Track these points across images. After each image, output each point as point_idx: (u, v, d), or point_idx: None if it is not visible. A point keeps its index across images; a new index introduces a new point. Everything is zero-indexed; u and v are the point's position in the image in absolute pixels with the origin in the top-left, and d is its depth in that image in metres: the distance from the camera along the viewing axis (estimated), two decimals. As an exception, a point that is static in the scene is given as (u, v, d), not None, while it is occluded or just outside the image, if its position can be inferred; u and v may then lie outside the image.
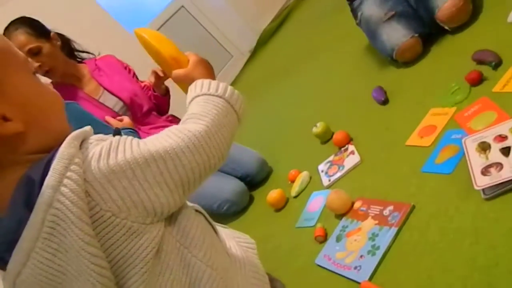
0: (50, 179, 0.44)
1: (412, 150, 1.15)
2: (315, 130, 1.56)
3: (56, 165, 0.44)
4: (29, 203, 0.44)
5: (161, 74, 1.59)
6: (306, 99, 2.07)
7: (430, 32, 1.46)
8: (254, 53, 3.90)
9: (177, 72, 0.66)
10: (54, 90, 0.55)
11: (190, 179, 0.50)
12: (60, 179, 0.44)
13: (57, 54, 1.55)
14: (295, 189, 1.45)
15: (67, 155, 0.45)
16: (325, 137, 1.55)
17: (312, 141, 1.59)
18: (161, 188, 0.48)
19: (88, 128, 0.51)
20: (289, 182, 1.51)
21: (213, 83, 0.59)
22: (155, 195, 0.48)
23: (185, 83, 0.64)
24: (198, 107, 0.56)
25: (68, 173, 0.44)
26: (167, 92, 1.72)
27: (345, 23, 1.99)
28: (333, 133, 1.51)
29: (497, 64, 1.13)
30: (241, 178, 1.67)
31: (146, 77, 1.76)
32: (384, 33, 1.50)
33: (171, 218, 0.53)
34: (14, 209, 0.46)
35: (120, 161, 0.47)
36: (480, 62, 1.18)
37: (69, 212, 0.44)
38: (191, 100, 0.59)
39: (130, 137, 0.50)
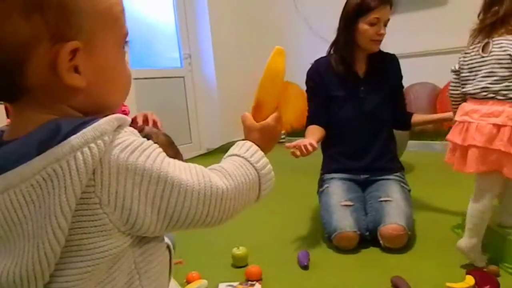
0: (75, 139, 0.43)
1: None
2: (235, 251, 1.59)
3: (87, 131, 0.44)
4: (42, 146, 0.44)
5: (150, 123, 1.64)
6: (244, 220, 2.12)
7: (369, 237, 1.65)
8: (209, 153, 4.03)
9: (246, 117, 0.67)
10: (130, 73, 0.55)
11: (180, 220, 0.50)
12: (82, 144, 0.43)
13: None
14: (187, 290, 1.41)
15: (102, 129, 0.45)
16: (240, 263, 1.57)
17: (226, 258, 1.60)
18: (152, 210, 0.48)
19: (129, 118, 0.52)
20: (184, 281, 1.47)
21: (258, 153, 0.60)
22: (143, 212, 0.47)
23: (245, 130, 0.65)
24: (232, 166, 0.57)
25: (92, 144, 0.44)
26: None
27: (309, 185, 2.19)
28: (247, 264, 1.55)
29: (407, 297, 1.29)
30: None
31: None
32: (336, 213, 1.67)
33: (142, 240, 0.51)
34: (26, 143, 0.45)
35: (138, 163, 0.46)
36: (395, 286, 1.34)
37: (69, 177, 0.43)
38: (232, 155, 0.60)
39: (160, 149, 0.50)
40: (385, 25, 1.78)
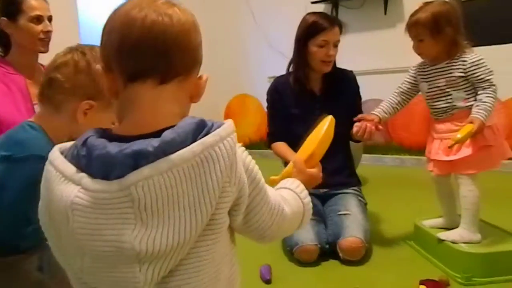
0: (221, 131, 0.55)
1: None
2: (197, 266, 1.58)
3: (226, 126, 0.56)
4: (195, 136, 0.54)
5: None
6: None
7: (328, 250, 1.70)
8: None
9: (300, 162, 0.84)
10: None
11: (253, 220, 0.63)
12: (226, 135, 0.55)
13: None
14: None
15: (232, 128, 0.57)
16: (202, 279, 1.56)
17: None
18: (248, 202, 0.61)
19: None
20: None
21: (305, 192, 0.76)
22: (246, 200, 0.60)
23: (295, 171, 0.82)
24: (291, 199, 0.72)
25: (232, 136, 0.56)
26: None
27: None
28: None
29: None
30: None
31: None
32: (298, 227, 1.71)
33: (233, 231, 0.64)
34: (181, 133, 0.54)
35: (251, 166, 0.61)
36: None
37: (222, 159, 0.54)
38: (286, 188, 0.75)
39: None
40: (335, 45, 1.84)
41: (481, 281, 1.45)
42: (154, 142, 0.53)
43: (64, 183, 0.55)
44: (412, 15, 1.61)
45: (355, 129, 1.70)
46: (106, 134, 0.57)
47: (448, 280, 1.46)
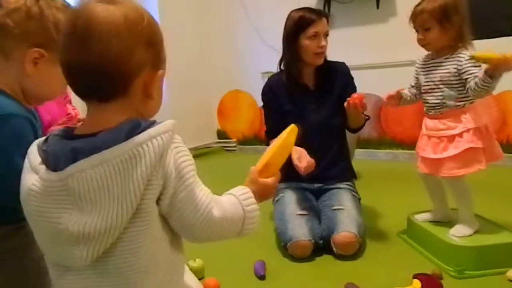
0: (151, 131, 0.61)
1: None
2: (191, 264, 1.57)
3: (160, 126, 0.62)
4: (128, 134, 0.60)
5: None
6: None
7: (322, 245, 1.70)
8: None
9: (254, 172, 0.82)
10: None
11: (179, 215, 0.66)
12: (156, 134, 0.61)
13: None
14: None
15: (168, 127, 0.63)
16: (196, 276, 1.54)
17: (182, 271, 1.58)
18: (172, 196, 0.64)
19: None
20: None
21: (250, 200, 0.76)
22: (171, 193, 0.64)
23: (248, 181, 0.80)
24: (228, 204, 0.73)
25: (162, 135, 0.61)
26: None
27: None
28: (204, 276, 1.54)
29: (360, 301, 1.34)
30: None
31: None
32: (291, 223, 1.71)
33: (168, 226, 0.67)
34: (117, 132, 0.61)
35: (182, 166, 0.64)
36: (349, 292, 1.40)
37: (148, 155, 0.60)
38: (231, 194, 0.76)
39: (194, 166, 0.67)
40: (326, 36, 1.85)
41: (473, 274, 1.46)
42: (91, 140, 0.61)
43: (29, 172, 0.64)
44: (417, 5, 1.57)
45: (346, 103, 1.73)
46: (65, 133, 0.66)
47: (441, 273, 1.47)
